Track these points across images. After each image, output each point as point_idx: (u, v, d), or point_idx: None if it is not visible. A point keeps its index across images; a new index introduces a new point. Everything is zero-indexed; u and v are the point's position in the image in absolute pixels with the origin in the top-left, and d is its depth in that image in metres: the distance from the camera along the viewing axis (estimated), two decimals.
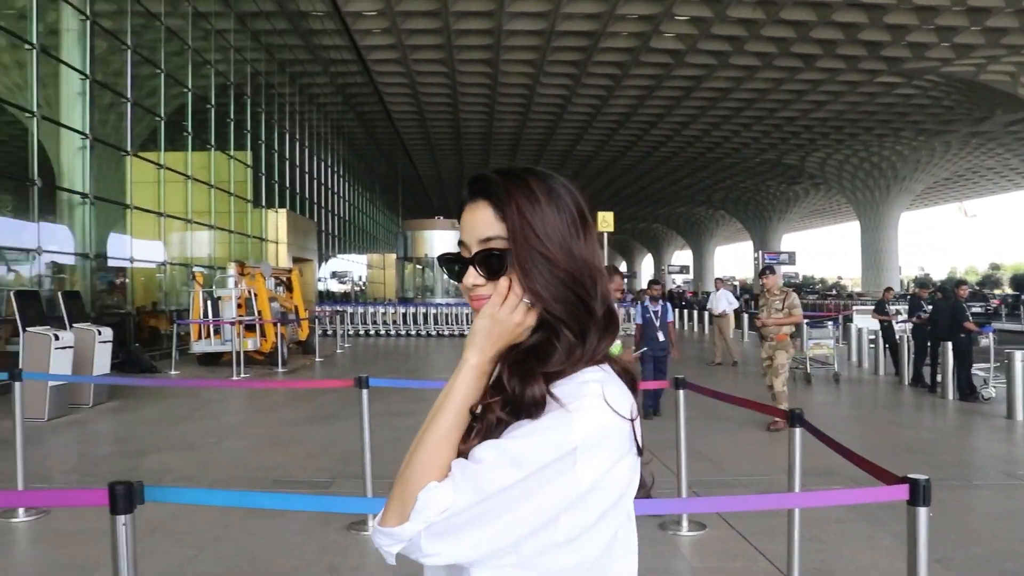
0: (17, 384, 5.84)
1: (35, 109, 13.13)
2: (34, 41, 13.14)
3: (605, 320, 1.19)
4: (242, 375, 14.02)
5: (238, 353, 14.10)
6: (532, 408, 1.11)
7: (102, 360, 10.76)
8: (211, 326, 15.48)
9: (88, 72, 14.87)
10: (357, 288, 41.68)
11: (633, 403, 1.15)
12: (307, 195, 32.85)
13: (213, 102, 21.62)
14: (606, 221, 23.60)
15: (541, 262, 1.14)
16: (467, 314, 27.01)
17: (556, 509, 1.07)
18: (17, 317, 9.65)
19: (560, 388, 1.11)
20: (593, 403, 1.09)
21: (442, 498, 1.08)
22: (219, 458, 7.76)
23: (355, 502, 4.49)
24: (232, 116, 23.24)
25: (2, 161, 13.55)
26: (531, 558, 1.10)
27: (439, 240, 36.06)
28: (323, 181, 36.26)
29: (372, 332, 26.15)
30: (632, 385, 1.20)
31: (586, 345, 1.17)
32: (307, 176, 33.00)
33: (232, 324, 14.82)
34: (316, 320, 20.14)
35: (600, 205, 47.11)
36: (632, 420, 1.13)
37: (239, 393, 12.35)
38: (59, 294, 11.29)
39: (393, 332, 26.09)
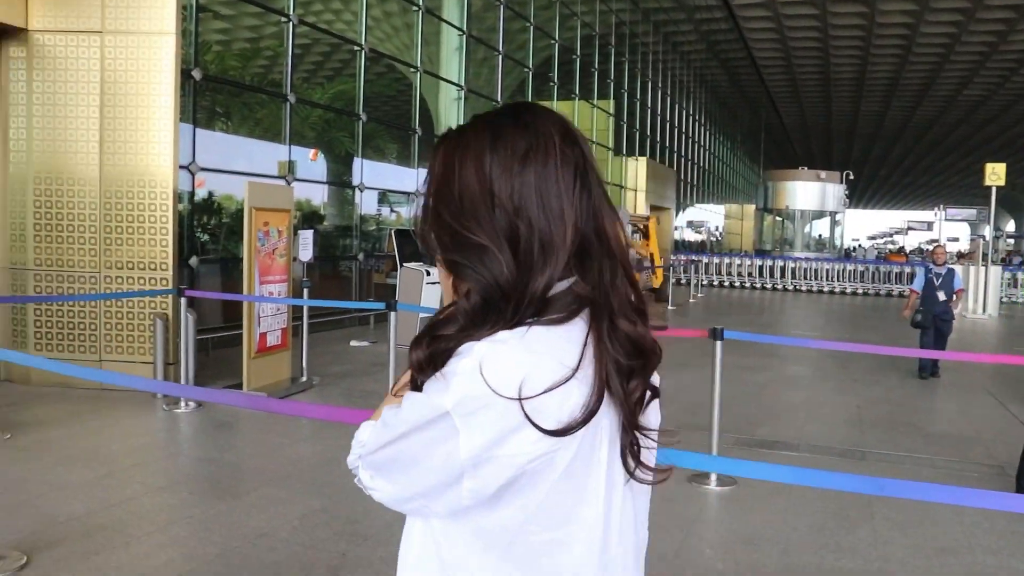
0: (392, 314, 6.52)
1: (418, 65, 14.38)
2: (420, 4, 14.34)
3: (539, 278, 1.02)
4: None
5: None
6: (418, 372, 1.05)
7: None
8: None
9: (465, 28, 15.95)
10: (713, 238, 41.10)
11: (533, 378, 0.98)
12: (667, 144, 32.79)
13: (578, 52, 22.21)
14: (996, 174, 20.80)
15: (431, 211, 1.09)
16: (826, 269, 25.50)
17: (448, 472, 0.99)
18: (396, 253, 10.76)
19: (458, 353, 1.01)
20: (465, 369, 0.98)
21: (365, 434, 1.11)
22: None
23: (697, 458, 4.37)
24: (596, 66, 23.73)
25: (391, 113, 15.08)
26: (452, 514, 1.04)
27: (802, 191, 34.27)
28: (684, 130, 35.95)
29: (726, 283, 25.68)
30: (640, 356, 1.07)
31: (490, 310, 1.03)
32: (668, 124, 32.91)
33: None
34: (671, 269, 20.14)
35: (988, 156, 41.76)
36: (520, 399, 0.97)
37: None
38: None
39: (748, 284, 25.41)
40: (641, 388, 1.07)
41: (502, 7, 17.57)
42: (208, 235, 10.65)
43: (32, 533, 4.21)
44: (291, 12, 10.92)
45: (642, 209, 24.92)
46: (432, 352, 1.03)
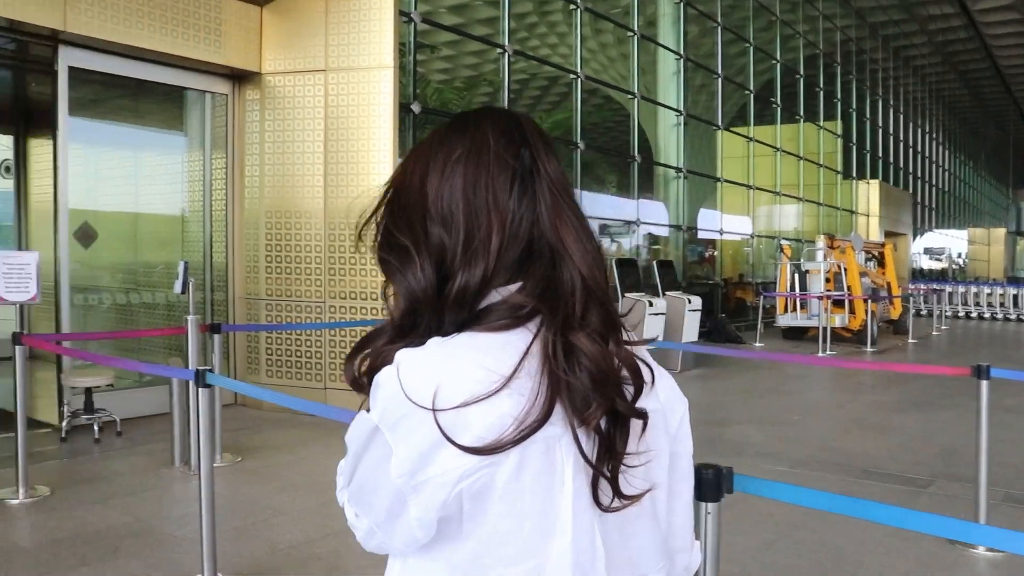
0: None
1: (635, 91, 14.10)
2: (635, 29, 14.10)
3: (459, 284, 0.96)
4: (828, 352, 13.42)
5: (825, 329, 13.53)
6: (356, 389, 1.02)
7: (691, 328, 11.15)
8: (797, 300, 15.12)
9: (682, 52, 15.53)
10: (955, 266, 37.80)
11: (449, 386, 0.89)
12: (901, 164, 30.59)
13: (801, 72, 21.15)
14: None
15: (385, 206, 1.06)
16: None
17: (391, 496, 0.93)
18: (616, 283, 10.46)
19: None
20: (386, 377, 0.94)
21: (342, 462, 1.06)
22: (802, 436, 7.34)
23: (964, 527, 3.71)
24: (821, 86, 22.50)
25: (610, 142, 14.92)
26: (414, 549, 0.98)
27: None
28: (919, 149, 33.44)
29: (973, 315, 23.34)
30: (599, 381, 0.93)
31: (418, 318, 0.99)
32: (901, 144, 30.71)
33: (819, 299, 14.28)
34: (909, 298, 18.56)
35: None
36: (434, 410, 0.88)
37: (824, 371, 11.77)
38: (654, 263, 11.98)
39: (999, 316, 22.95)
40: (600, 412, 0.94)
41: (720, 30, 17.02)
42: None
43: (254, 559, 4.21)
44: (506, 44, 11.00)
45: (876, 235, 23.29)
46: (369, 367, 0.99)
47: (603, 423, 0.95)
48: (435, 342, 0.95)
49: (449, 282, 0.97)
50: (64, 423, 6.58)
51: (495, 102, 11.38)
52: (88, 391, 6.63)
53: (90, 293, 8.14)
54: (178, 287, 5.64)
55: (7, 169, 11.47)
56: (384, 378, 0.93)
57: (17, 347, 5.16)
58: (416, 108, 9.22)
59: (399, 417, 0.91)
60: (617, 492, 0.96)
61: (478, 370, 0.90)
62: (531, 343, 0.93)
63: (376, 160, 7.49)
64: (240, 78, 7.89)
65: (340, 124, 7.56)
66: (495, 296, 0.97)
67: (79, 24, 6.46)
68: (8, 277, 5.43)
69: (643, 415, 0.98)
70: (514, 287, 0.97)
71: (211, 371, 3.79)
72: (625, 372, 0.97)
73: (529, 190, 0.99)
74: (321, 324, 7.61)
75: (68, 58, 6.72)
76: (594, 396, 0.93)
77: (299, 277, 7.73)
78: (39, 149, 10.65)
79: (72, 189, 6.91)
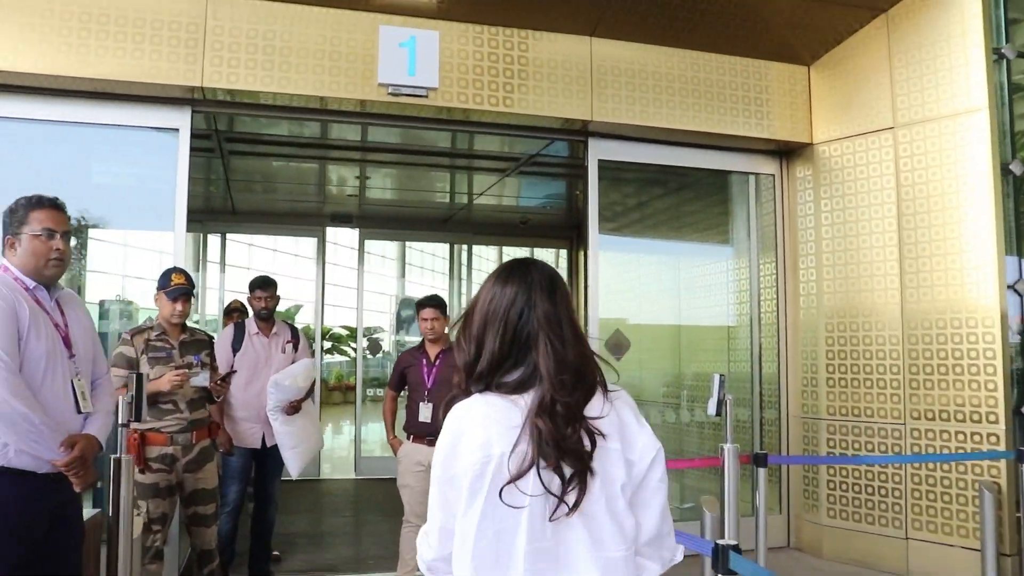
0: None
1: None
2: None
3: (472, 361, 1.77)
4: None
5: None
6: None
7: None
8: None
9: None
10: None
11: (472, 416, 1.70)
12: None
13: None
14: None
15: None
16: None
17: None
18: None
19: None
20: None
21: None
22: None
23: None
24: None
25: None
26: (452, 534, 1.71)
27: None
28: None
29: None
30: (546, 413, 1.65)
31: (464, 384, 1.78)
32: None
33: None
34: None
35: None
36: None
37: None
38: None
39: None
40: (553, 462, 1.61)
41: None
42: None
43: None
44: None
45: None
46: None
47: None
48: (471, 399, 1.74)
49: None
50: None
51: None
52: None
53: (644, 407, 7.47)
54: (712, 407, 4.49)
55: None
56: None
57: None
58: (1018, 169, 7.05)
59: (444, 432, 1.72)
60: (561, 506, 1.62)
61: (487, 419, 1.68)
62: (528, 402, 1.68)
63: (967, 237, 5.62)
64: (788, 153, 6.68)
65: (917, 193, 5.87)
66: (508, 376, 1.73)
67: (605, 111, 5.90)
68: None
69: (585, 469, 1.64)
70: (519, 372, 1.72)
71: (736, 549, 2.46)
72: (580, 437, 1.65)
73: (529, 305, 1.74)
74: (897, 457, 5.84)
75: (597, 151, 6.19)
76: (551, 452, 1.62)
77: (869, 391, 6.06)
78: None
79: (602, 294, 6.27)
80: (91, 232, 6.20)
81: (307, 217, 10.22)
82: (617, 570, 1.62)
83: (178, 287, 4.41)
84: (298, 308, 17.13)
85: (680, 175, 7.28)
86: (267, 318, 5.46)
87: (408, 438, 4.96)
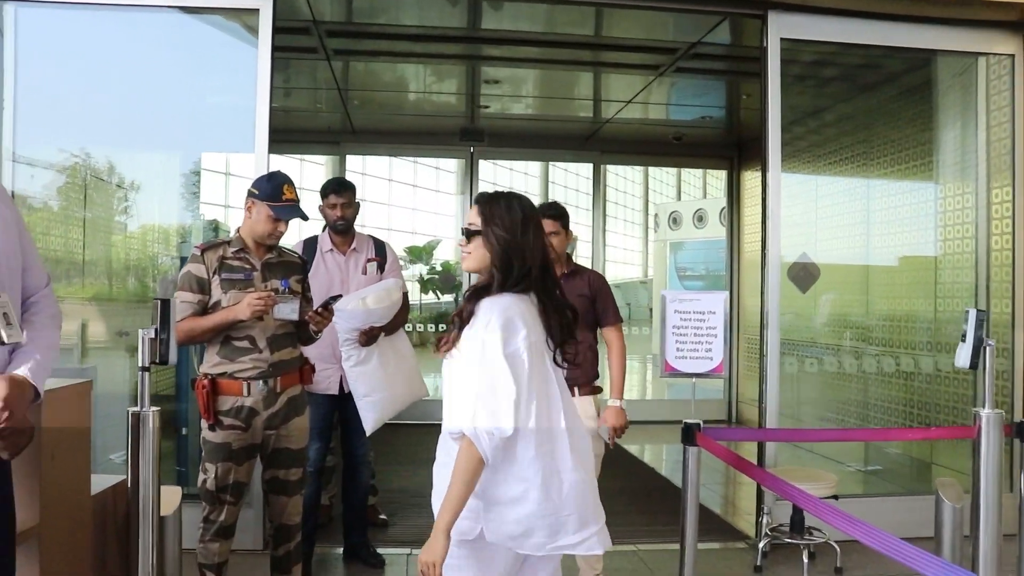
0: None
1: None
2: None
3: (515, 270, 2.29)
4: None
5: None
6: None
7: None
8: None
9: None
10: None
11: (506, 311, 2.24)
12: None
13: None
14: None
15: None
16: None
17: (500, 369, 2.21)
18: None
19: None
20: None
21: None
22: None
23: None
24: None
25: None
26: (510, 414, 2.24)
27: None
28: None
29: None
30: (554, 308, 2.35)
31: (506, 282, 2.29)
32: None
33: None
34: None
35: None
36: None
37: None
38: None
39: None
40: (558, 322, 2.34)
41: None
42: None
43: None
44: None
45: None
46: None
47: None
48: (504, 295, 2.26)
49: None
50: (761, 542, 4.65)
51: None
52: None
53: (804, 352, 6.20)
54: (963, 356, 3.22)
55: (699, 218, 10.40)
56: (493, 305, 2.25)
57: (690, 447, 3.34)
58: None
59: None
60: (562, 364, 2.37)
61: (518, 304, 2.25)
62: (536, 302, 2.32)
63: None
64: None
65: None
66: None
67: None
68: (682, 333, 3.65)
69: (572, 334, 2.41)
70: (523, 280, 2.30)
71: None
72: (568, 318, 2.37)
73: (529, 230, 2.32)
74: None
75: (779, 27, 4.86)
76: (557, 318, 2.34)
77: None
78: (753, 181, 9.26)
79: (785, 215, 5.00)
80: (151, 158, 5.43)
81: (439, 136, 9.21)
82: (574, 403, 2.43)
83: (291, 205, 3.44)
84: (437, 242, 16.32)
85: (875, 68, 5.83)
86: (344, 231, 4.38)
87: None
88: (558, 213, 3.77)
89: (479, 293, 2.25)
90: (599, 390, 3.87)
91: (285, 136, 8.74)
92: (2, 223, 2.06)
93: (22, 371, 2.01)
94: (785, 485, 2.72)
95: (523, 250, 2.24)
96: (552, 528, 2.19)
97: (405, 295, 4.39)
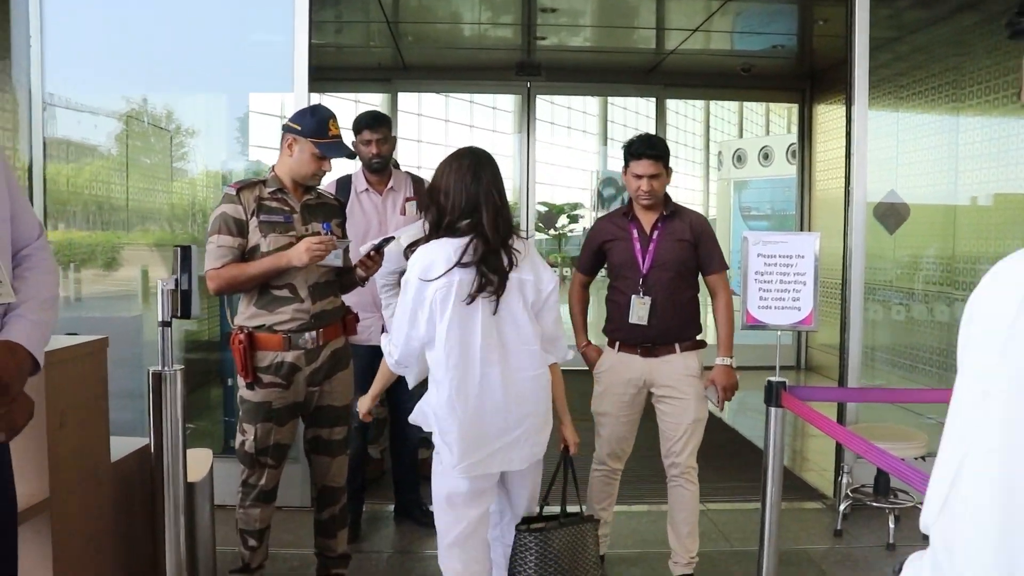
0: None
1: None
2: None
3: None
4: None
5: None
6: None
7: None
8: None
9: None
10: None
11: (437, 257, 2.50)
12: None
13: None
14: None
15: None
16: None
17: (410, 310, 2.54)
18: None
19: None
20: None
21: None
22: None
23: None
24: None
25: None
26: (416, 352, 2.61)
27: None
28: None
29: None
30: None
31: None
32: None
33: None
34: None
35: None
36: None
37: None
38: None
39: None
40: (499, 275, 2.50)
41: None
42: None
43: None
44: None
45: None
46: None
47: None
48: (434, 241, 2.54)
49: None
50: (842, 504, 4.32)
51: None
52: None
53: (892, 298, 5.76)
54: None
55: (765, 156, 9.87)
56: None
57: (773, 409, 3.00)
58: None
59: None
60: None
61: (446, 249, 2.49)
62: (468, 243, 2.48)
63: None
64: None
65: None
66: (461, 223, 2.51)
67: None
68: (766, 281, 3.28)
69: (504, 278, 2.51)
70: (465, 222, 2.50)
71: None
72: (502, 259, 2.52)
73: (476, 178, 2.53)
74: None
75: None
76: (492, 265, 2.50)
77: None
78: (828, 116, 8.70)
79: (872, 148, 4.55)
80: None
81: (494, 71, 8.81)
82: (534, 358, 2.55)
83: (338, 142, 3.16)
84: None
85: None
86: (379, 169, 4.06)
87: (613, 346, 3.52)
88: (659, 153, 3.35)
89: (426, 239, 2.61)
90: (702, 344, 3.50)
91: (336, 74, 8.49)
92: None
93: (15, 335, 1.75)
94: (871, 448, 2.38)
95: (446, 197, 2.52)
96: (463, 448, 2.50)
97: None
